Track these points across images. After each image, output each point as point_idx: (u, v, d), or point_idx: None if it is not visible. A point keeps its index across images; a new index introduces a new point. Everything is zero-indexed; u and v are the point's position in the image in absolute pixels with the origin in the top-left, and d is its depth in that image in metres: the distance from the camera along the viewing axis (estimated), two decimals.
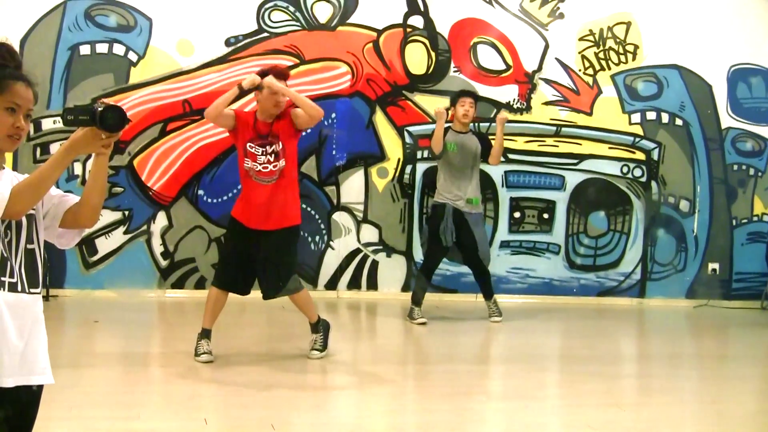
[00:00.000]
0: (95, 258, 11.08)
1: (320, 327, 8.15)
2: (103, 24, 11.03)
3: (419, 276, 10.55)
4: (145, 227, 11.16)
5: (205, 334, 7.84)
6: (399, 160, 11.76)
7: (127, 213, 11.09)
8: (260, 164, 7.75)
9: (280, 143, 7.77)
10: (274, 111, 7.77)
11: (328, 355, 8.17)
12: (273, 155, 7.77)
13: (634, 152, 12.32)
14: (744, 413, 7.32)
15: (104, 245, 11.09)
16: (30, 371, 3.50)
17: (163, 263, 11.22)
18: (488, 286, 10.42)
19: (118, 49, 11.07)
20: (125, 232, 11.12)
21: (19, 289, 3.46)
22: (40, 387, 3.57)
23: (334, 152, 11.58)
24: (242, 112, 8.22)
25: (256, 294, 8.14)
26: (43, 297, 9.51)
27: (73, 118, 3.34)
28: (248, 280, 7.98)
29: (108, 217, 11.03)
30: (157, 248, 11.19)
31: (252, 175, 7.78)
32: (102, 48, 11.05)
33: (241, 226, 7.87)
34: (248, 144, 7.76)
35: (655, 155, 12.38)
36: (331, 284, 11.73)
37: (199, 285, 11.10)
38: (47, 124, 10.77)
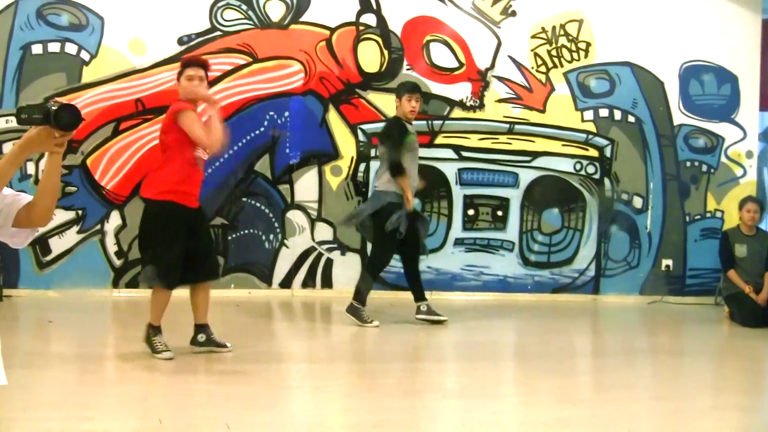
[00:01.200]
0: (49, 258, 11.03)
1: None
2: (55, 23, 11.00)
3: (366, 275, 10.09)
4: (98, 227, 11.12)
5: (158, 330, 7.78)
6: (352, 158, 11.78)
7: (80, 212, 11.06)
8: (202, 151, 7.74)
9: None
10: (191, 98, 7.81)
11: (283, 354, 8.19)
12: None
13: (587, 149, 12.39)
14: (698, 409, 7.31)
15: (58, 245, 11.05)
16: None
17: (117, 262, 11.18)
18: (421, 287, 10.20)
19: (71, 48, 11.04)
20: (79, 232, 11.08)
21: None
22: None
23: (287, 151, 11.57)
24: (191, 105, 7.89)
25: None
26: None
27: (27, 117, 3.36)
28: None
29: (61, 216, 10.99)
30: (111, 247, 11.15)
31: (199, 164, 7.74)
32: (54, 47, 11.02)
33: (180, 209, 7.68)
34: None
35: (608, 152, 12.46)
36: (286, 282, 11.73)
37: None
38: (0, 124, 10.72)
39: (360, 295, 9.90)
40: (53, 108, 3.31)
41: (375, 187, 10.01)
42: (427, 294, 10.24)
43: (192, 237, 7.71)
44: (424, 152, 10.72)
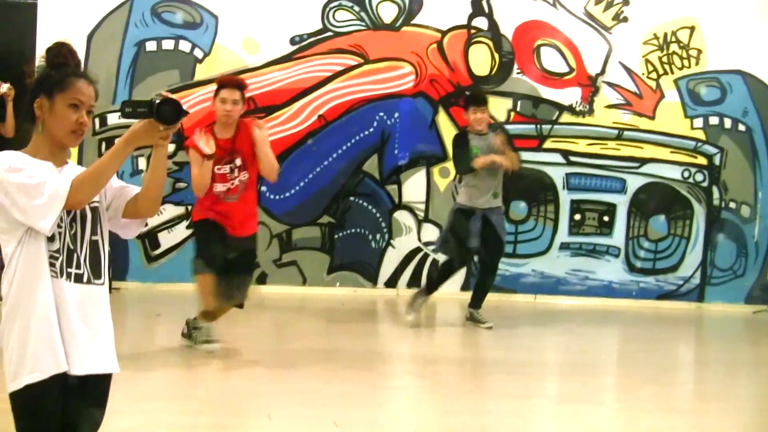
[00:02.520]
0: (157, 252, 11.20)
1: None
2: (170, 21, 11.18)
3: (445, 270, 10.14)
4: None
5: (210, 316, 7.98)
6: None
7: (189, 208, 11.17)
8: (230, 182, 7.72)
9: (245, 155, 7.74)
10: (224, 120, 7.76)
11: (387, 353, 8.25)
12: (238, 169, 7.74)
13: (696, 157, 12.27)
14: None
15: (167, 239, 11.26)
16: (97, 360, 3.60)
17: None
18: (484, 295, 10.21)
19: (184, 46, 11.22)
20: (188, 227, 11.22)
21: (85, 280, 3.57)
22: (109, 376, 3.67)
23: (396, 151, 11.64)
24: (193, 142, 7.83)
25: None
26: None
27: (131, 111, 3.43)
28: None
29: (171, 211, 11.22)
30: None
31: (221, 197, 7.74)
32: (168, 44, 11.21)
33: (215, 226, 7.83)
34: (216, 167, 7.65)
35: (716, 160, 12.32)
36: (391, 282, 11.80)
37: (260, 280, 11.11)
38: (112, 119, 10.92)
39: (429, 285, 10.09)
40: (157, 102, 3.39)
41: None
42: (531, 297, 10.26)
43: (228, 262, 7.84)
44: (531, 156, 10.71)
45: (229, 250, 7.82)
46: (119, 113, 3.46)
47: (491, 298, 10.94)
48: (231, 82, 8.02)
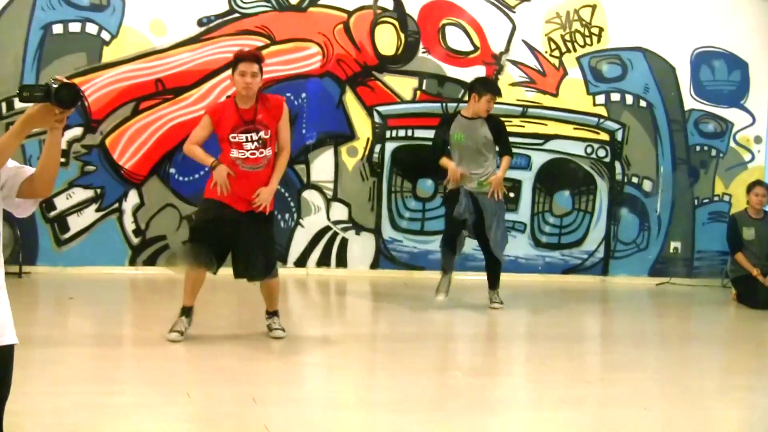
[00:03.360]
0: (67, 235, 11.19)
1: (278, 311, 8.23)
2: (76, 3, 11.09)
3: (441, 248, 10.41)
4: (116, 205, 11.28)
5: (186, 311, 7.92)
6: (368, 139, 11.91)
7: (98, 191, 11.20)
8: (248, 151, 7.73)
9: (269, 131, 7.78)
10: (245, 93, 7.74)
11: (301, 332, 8.37)
12: (260, 142, 7.75)
13: (598, 133, 12.51)
14: (709, 389, 7.53)
15: (76, 223, 11.21)
16: None
17: (135, 241, 11.35)
18: (493, 278, 10.35)
19: (91, 29, 11.14)
20: (97, 210, 11.23)
21: None
22: (9, 348, 3.72)
23: (304, 131, 11.70)
24: (217, 107, 8.12)
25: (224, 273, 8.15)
26: (16, 274, 9.65)
27: (28, 95, 3.52)
28: (221, 259, 7.93)
29: (80, 195, 11.17)
30: (129, 226, 11.31)
31: (239, 164, 7.75)
32: (75, 27, 11.12)
33: (224, 207, 7.79)
34: (230, 135, 7.72)
35: (619, 136, 12.58)
36: (301, 261, 11.89)
37: (171, 261, 11.16)
38: (19, 104, 10.81)
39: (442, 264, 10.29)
40: (54, 86, 3.49)
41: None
42: (439, 274, 10.41)
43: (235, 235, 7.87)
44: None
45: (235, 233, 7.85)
46: (17, 97, 3.54)
47: (399, 275, 11.11)
48: (249, 55, 7.94)
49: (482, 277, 10.38)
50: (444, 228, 10.61)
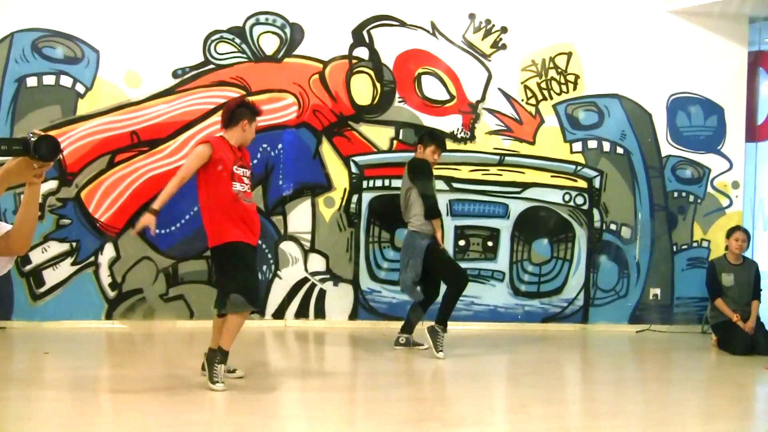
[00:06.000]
0: (42, 290, 11.09)
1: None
2: (50, 56, 11.08)
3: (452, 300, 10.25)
4: (92, 258, 11.19)
5: (225, 356, 8.05)
6: (345, 189, 11.88)
7: (74, 245, 11.12)
8: (246, 185, 8.09)
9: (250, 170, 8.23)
10: (249, 142, 8.29)
11: (279, 383, 8.29)
12: (250, 178, 8.21)
13: (576, 180, 12.50)
14: None
15: (52, 277, 11.12)
16: None
17: (111, 294, 11.25)
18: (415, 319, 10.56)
19: (66, 81, 11.12)
20: (73, 264, 11.14)
21: None
22: None
23: (281, 182, 11.66)
24: (215, 140, 8.15)
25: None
26: None
27: (6, 149, 3.46)
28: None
29: (55, 248, 11.09)
30: (105, 279, 11.22)
31: (241, 197, 8.01)
32: (49, 80, 11.10)
33: (248, 247, 8.07)
34: (235, 167, 7.97)
35: (596, 183, 12.58)
36: (279, 313, 11.81)
37: (147, 315, 11.12)
38: None
39: (444, 319, 10.14)
40: (33, 139, 3.43)
41: (410, 227, 10.32)
42: (420, 323, 10.40)
43: None
44: None
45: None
46: None
47: (377, 326, 11.01)
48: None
49: (463, 327, 10.32)
50: (452, 275, 10.26)
